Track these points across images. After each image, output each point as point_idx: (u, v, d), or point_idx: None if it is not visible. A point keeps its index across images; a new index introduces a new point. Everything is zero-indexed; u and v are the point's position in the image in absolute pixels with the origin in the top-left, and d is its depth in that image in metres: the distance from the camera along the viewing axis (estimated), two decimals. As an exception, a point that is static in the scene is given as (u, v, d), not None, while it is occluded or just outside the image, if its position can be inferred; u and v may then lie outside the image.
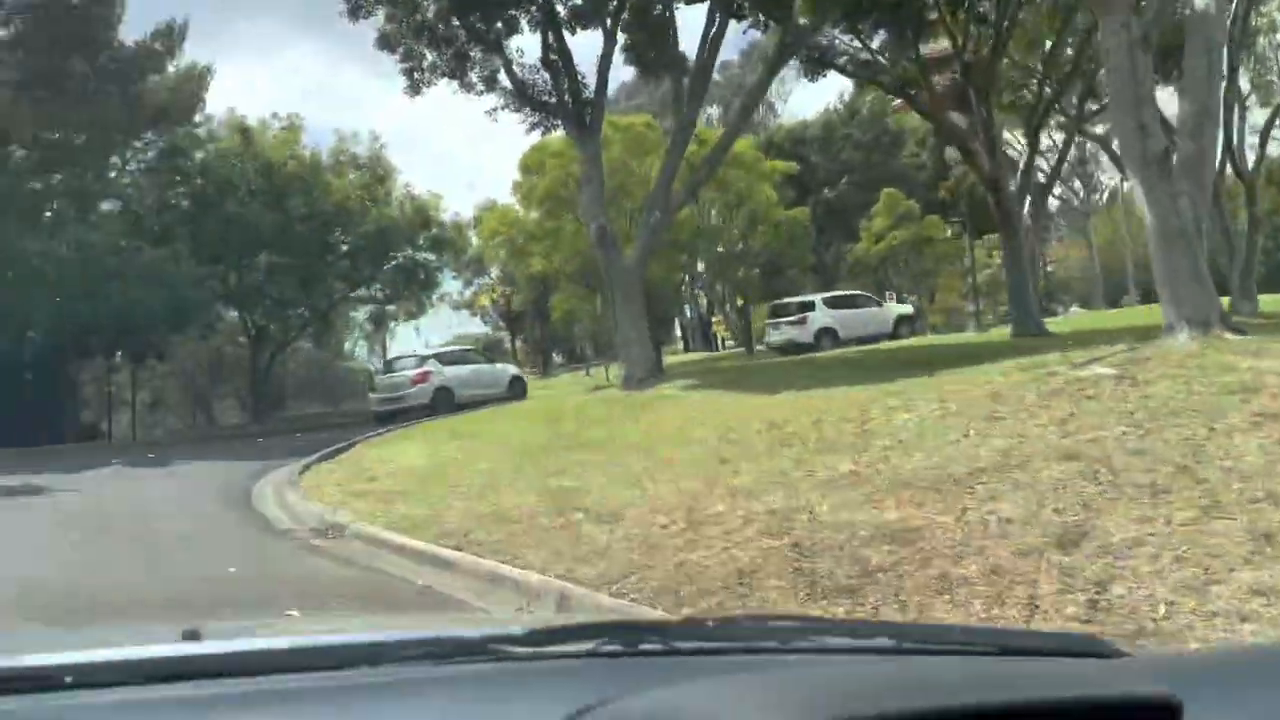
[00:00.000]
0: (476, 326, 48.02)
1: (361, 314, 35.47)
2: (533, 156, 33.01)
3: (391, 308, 33.67)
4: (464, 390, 21.97)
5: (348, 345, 46.35)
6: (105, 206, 26.97)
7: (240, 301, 28.68)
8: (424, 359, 23.43)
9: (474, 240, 33.85)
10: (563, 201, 33.45)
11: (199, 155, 27.31)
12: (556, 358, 50.40)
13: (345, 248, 29.33)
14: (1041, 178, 27.41)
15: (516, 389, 23.87)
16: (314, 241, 27.98)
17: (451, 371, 22.66)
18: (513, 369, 26.49)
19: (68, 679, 1.09)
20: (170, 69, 26.80)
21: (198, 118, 27.64)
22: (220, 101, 49.45)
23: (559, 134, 26.48)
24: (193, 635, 1.34)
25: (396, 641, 1.33)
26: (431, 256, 30.59)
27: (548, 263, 33.34)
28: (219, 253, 26.71)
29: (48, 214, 25.21)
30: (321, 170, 28.31)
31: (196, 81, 27.95)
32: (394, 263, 29.88)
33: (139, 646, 1.29)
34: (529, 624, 1.59)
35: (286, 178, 27.22)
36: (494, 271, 39.27)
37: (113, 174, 27.12)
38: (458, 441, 12.90)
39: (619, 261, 17.04)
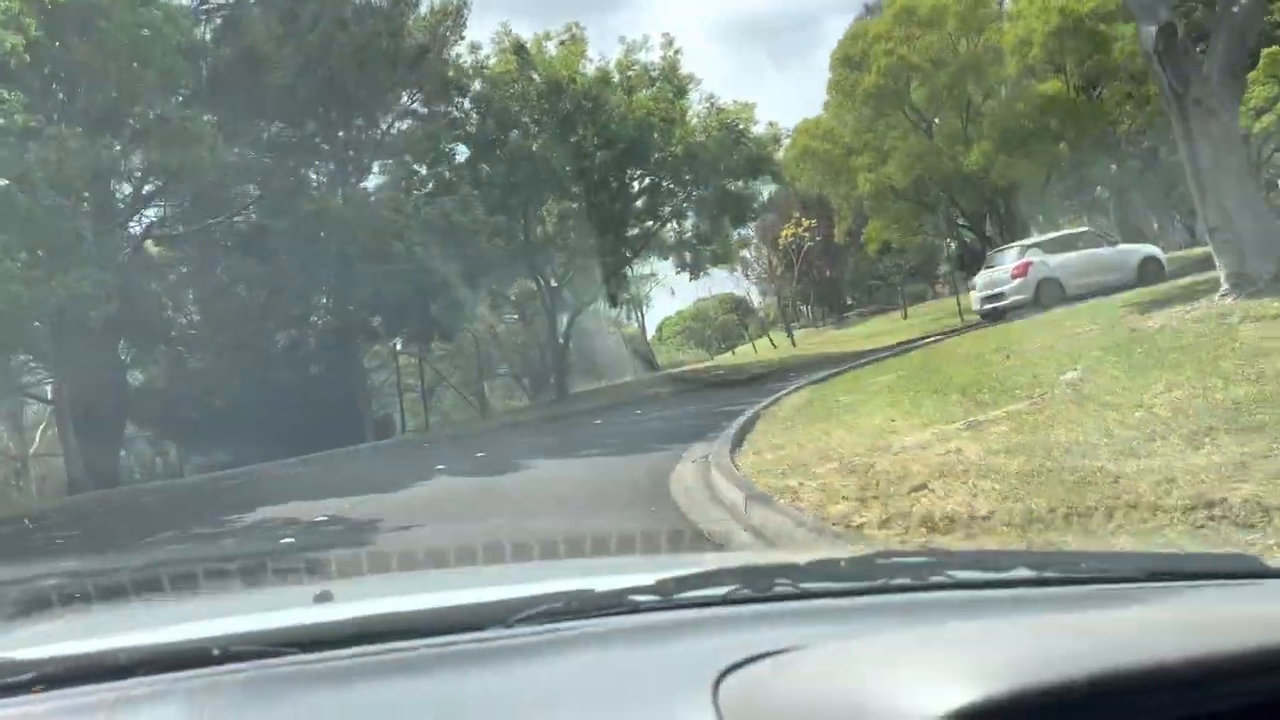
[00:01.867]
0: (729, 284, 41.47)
1: (652, 266, 30.09)
2: (853, 46, 26.49)
3: (688, 258, 28.01)
4: (1076, 280, 18.81)
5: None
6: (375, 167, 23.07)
7: (530, 257, 23.92)
8: (1025, 249, 20.31)
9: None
10: (893, 97, 26.70)
11: (474, 86, 22.68)
12: (849, 302, 43.37)
13: (644, 182, 23.96)
14: None
15: (1149, 272, 18.65)
16: (609, 176, 22.76)
17: (1058, 260, 19.42)
18: (1147, 249, 20.82)
19: (215, 651, 1.11)
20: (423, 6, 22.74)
21: (458, 49, 23.23)
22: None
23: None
24: (325, 598, 1.40)
25: (526, 599, 1.26)
26: (742, 184, 24.62)
27: (876, 178, 26.68)
28: (504, 199, 21.99)
29: (315, 173, 21.37)
30: (613, 88, 22.96)
31: (454, 15, 23.65)
32: (700, 194, 24.19)
33: (273, 613, 1.38)
34: (658, 573, 1.37)
35: (574, 100, 22.07)
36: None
37: (383, 126, 23.08)
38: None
39: (1200, 86, 9.99)
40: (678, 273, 28.90)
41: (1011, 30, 26.04)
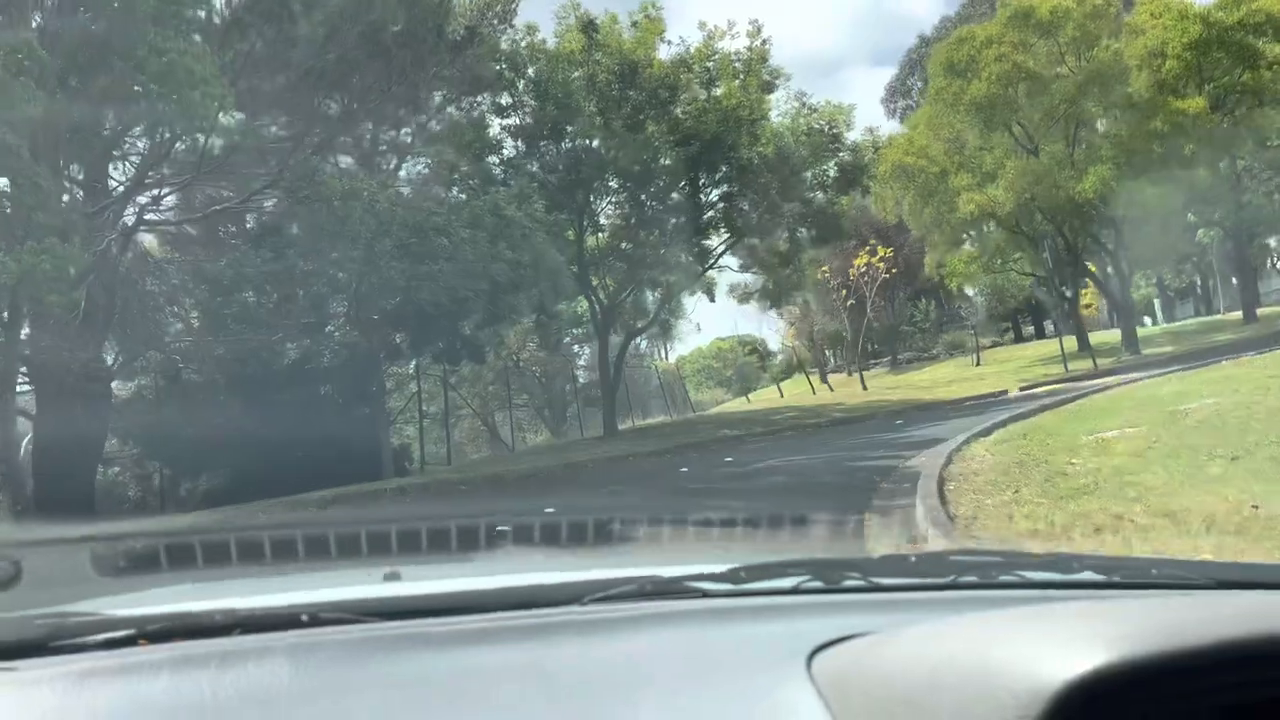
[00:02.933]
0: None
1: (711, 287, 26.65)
2: (959, 51, 23.38)
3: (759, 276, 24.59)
4: None
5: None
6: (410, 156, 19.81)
7: (584, 268, 20.56)
8: None
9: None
10: (1005, 109, 23.52)
11: (529, 72, 19.51)
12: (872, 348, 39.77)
13: (721, 189, 20.68)
14: None
15: None
16: (683, 179, 19.50)
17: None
18: None
19: (303, 618, 1.19)
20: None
21: (513, 26, 20.08)
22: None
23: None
24: (394, 576, 1.45)
25: (597, 581, 1.29)
26: (829, 197, 21.33)
27: (983, 200, 23.39)
28: (561, 197, 18.73)
29: (344, 156, 18.14)
30: (692, 76, 19.76)
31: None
32: (788, 206, 20.86)
33: (344, 588, 1.44)
34: (731, 561, 1.43)
35: (648, 88, 18.87)
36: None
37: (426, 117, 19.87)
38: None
39: None
40: (741, 301, 25.53)
41: (1140, 41, 22.90)
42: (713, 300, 24.37)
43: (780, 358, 41.38)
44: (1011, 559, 1.65)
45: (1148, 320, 39.19)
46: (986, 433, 11.89)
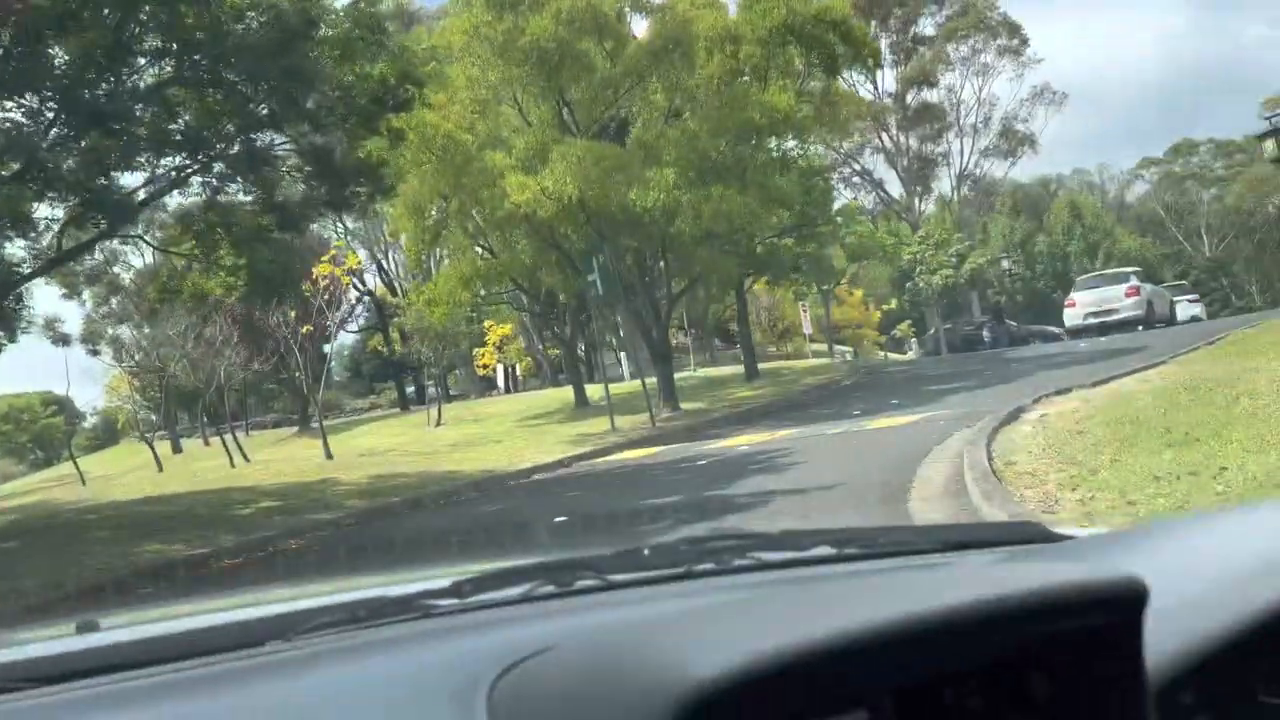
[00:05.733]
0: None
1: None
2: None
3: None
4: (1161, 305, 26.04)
5: None
6: None
7: None
8: (1125, 274, 26.87)
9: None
10: (573, 65, 17.01)
11: None
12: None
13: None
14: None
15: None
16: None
17: (1149, 289, 26.00)
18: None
19: None
20: None
21: None
22: None
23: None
24: (89, 627, 1.26)
25: (306, 610, 1.21)
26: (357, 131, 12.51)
27: (535, 189, 16.55)
28: None
29: None
30: None
31: None
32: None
33: (31, 645, 1.22)
34: (458, 575, 1.32)
35: None
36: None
37: None
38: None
39: None
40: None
41: (713, 16, 18.47)
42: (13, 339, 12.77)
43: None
44: (746, 541, 1.56)
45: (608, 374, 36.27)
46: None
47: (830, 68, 18.13)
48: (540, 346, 35.79)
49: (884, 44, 42.25)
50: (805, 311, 34.66)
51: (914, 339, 44.82)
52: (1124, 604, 0.85)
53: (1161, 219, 70.15)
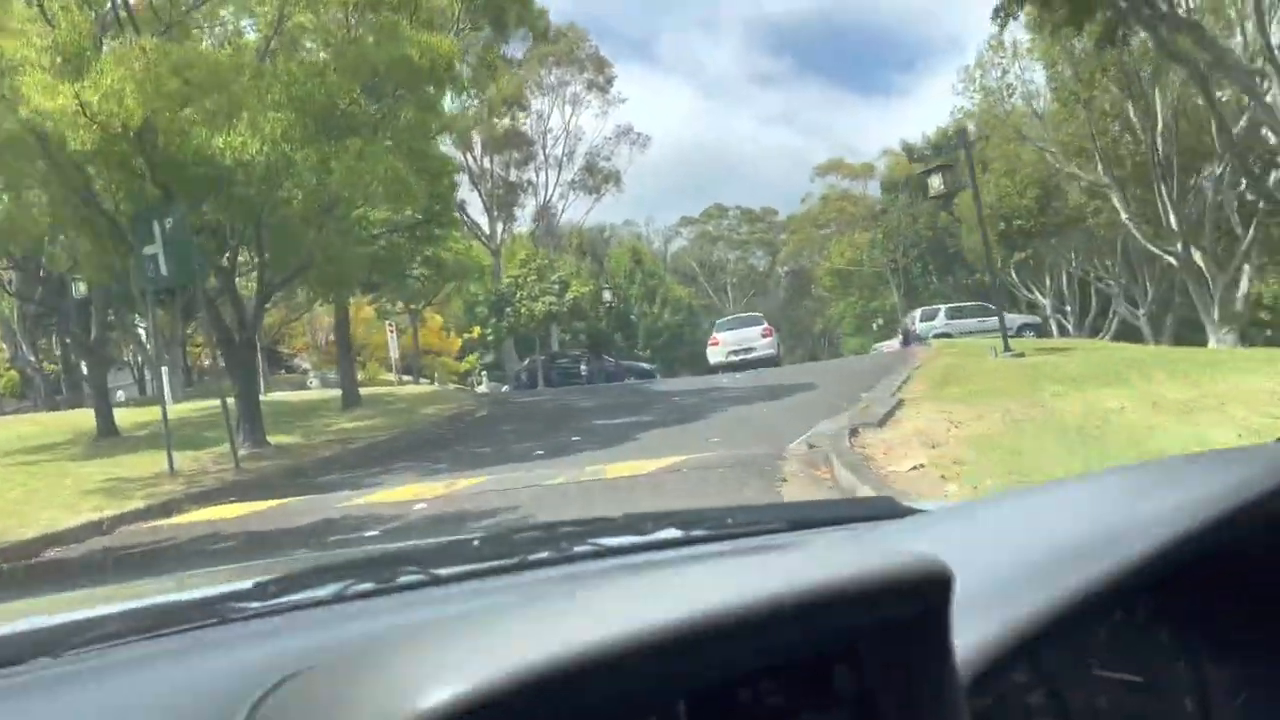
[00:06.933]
0: None
1: None
2: None
3: None
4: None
5: None
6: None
7: None
8: (753, 318, 29.72)
9: None
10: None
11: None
12: None
13: None
14: None
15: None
16: None
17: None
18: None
19: None
20: None
21: None
22: None
23: None
24: None
25: (86, 620, 1.06)
26: None
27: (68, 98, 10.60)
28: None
29: None
30: None
31: None
32: None
33: None
34: (267, 573, 1.19)
35: None
36: None
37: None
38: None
39: None
40: None
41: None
42: None
43: None
44: (585, 526, 1.43)
45: (122, 395, 28.05)
46: None
47: (498, 21, 14.40)
48: (33, 357, 26.92)
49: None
50: (392, 332, 30.13)
51: (483, 371, 42.19)
52: (926, 591, 0.79)
53: (696, 273, 76.61)
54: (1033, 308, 39.79)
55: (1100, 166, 26.33)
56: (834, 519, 1.43)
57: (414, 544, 1.29)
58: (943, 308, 33.74)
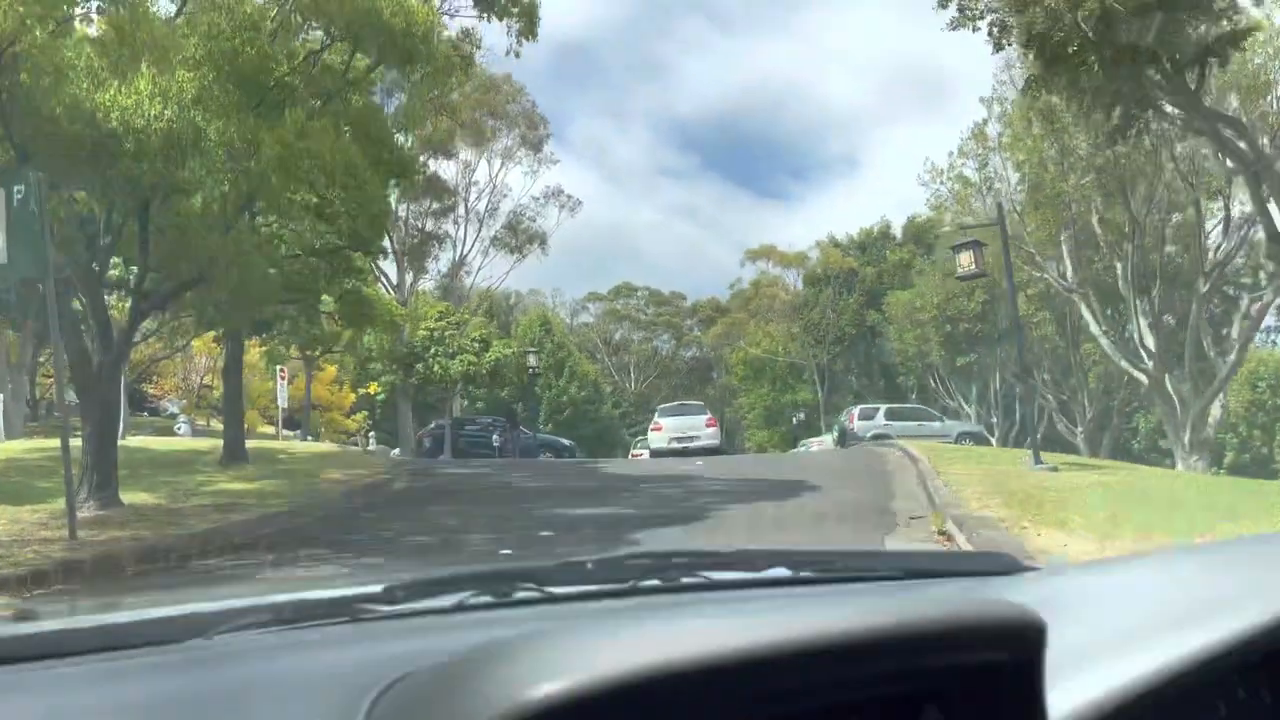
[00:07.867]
0: None
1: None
2: None
3: None
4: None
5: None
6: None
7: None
8: (696, 406, 30.48)
9: None
10: None
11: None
12: None
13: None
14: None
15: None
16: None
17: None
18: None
19: None
20: None
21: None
22: None
23: None
24: (26, 616, 1.25)
25: (233, 610, 1.18)
26: None
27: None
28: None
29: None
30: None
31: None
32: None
33: None
34: (394, 580, 1.28)
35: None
36: None
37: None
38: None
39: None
40: None
41: None
42: None
43: None
44: (698, 558, 1.51)
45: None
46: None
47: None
48: None
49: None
50: (283, 379, 26.17)
51: (371, 434, 38.20)
52: (1018, 639, 0.81)
53: (600, 349, 74.11)
54: (956, 415, 38.63)
55: (1070, 271, 25.04)
56: (948, 570, 1.44)
57: (532, 564, 1.30)
58: (882, 407, 31.93)
